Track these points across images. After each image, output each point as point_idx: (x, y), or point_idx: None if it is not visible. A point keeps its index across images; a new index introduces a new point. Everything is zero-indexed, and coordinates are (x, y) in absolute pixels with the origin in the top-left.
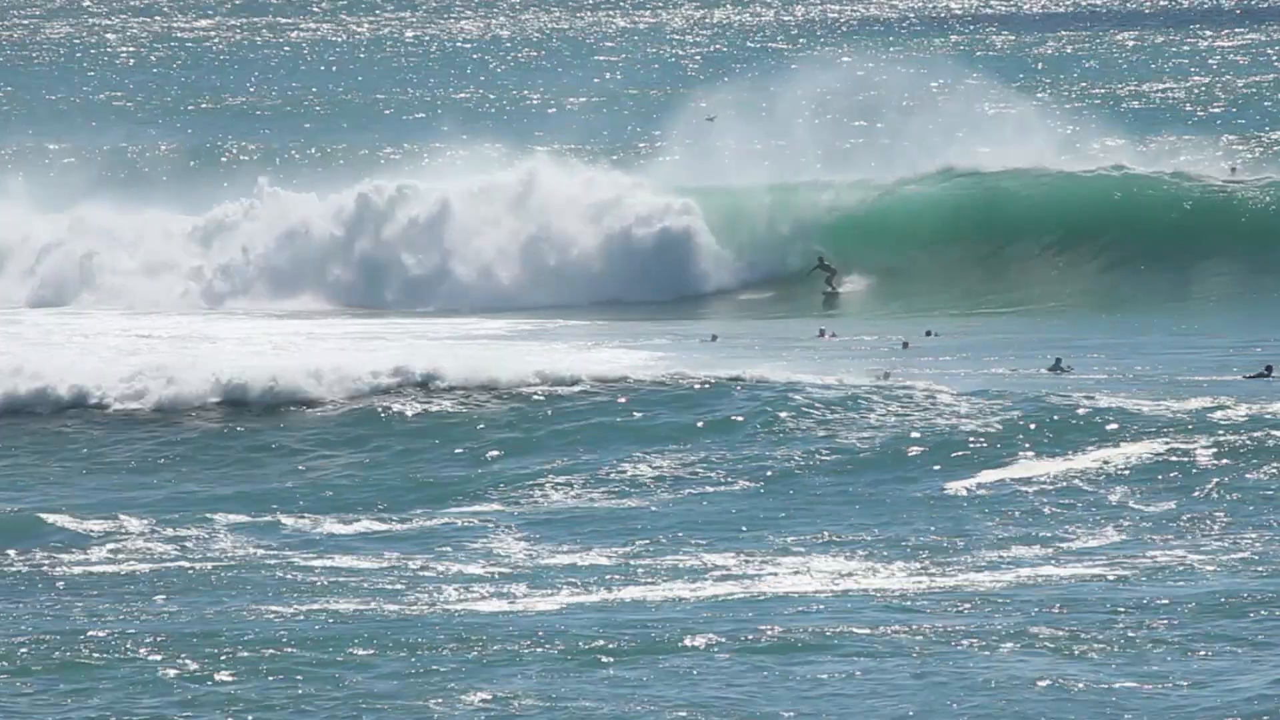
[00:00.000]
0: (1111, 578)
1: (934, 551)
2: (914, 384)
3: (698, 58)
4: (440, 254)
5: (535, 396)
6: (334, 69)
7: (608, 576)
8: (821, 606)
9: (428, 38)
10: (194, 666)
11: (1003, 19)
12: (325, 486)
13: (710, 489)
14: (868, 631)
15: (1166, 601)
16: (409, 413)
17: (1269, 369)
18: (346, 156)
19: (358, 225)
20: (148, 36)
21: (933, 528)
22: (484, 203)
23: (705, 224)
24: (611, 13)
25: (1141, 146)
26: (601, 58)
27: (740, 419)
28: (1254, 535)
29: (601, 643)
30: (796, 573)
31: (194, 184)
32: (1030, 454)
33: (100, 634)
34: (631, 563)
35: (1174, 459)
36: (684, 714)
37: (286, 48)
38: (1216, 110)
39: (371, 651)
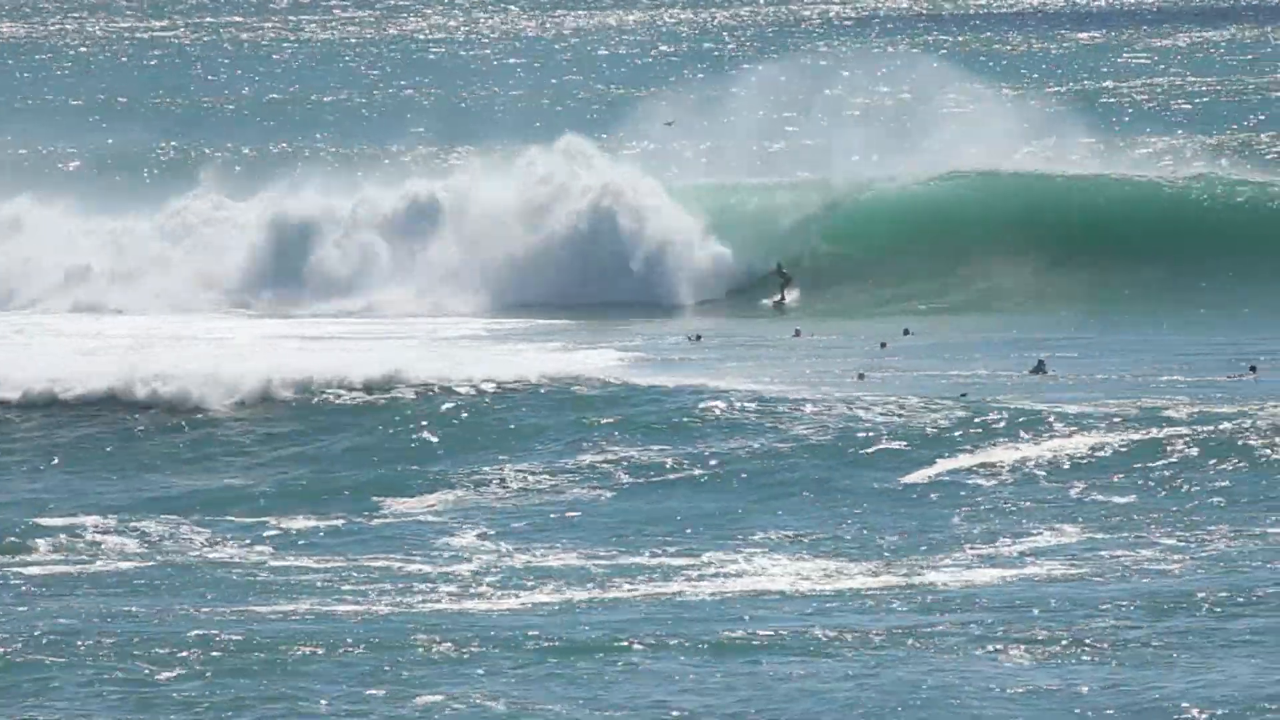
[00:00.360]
0: (1073, 575)
1: (895, 551)
2: (866, 392)
3: (649, 58)
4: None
5: (485, 398)
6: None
7: (565, 576)
8: (784, 606)
9: (387, 38)
10: (148, 669)
11: (967, 17)
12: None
13: (664, 489)
14: (830, 632)
15: (1126, 601)
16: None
17: (1253, 369)
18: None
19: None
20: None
21: (894, 526)
22: (474, 204)
23: (696, 224)
24: (565, 13)
25: (1126, 147)
26: (561, 57)
27: (690, 420)
28: (1216, 534)
29: (561, 643)
30: (755, 573)
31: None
32: (994, 452)
33: (54, 636)
34: (588, 563)
35: (1138, 458)
36: (644, 715)
37: (234, 47)
38: (1185, 108)
39: (317, 652)
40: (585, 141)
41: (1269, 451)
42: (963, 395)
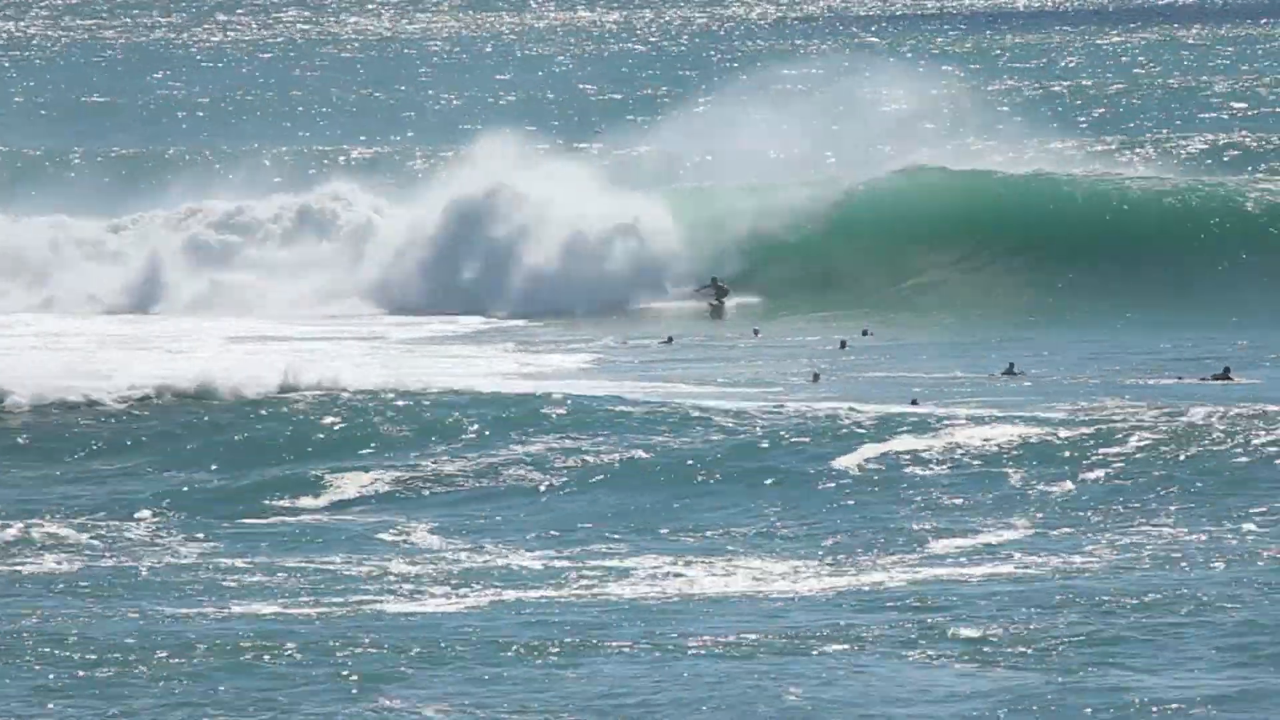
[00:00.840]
0: (1018, 575)
1: (836, 549)
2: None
3: (630, 60)
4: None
5: (423, 402)
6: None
7: (494, 576)
8: (727, 606)
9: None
10: (83, 673)
11: (932, 15)
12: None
13: (603, 488)
14: (766, 634)
15: (1066, 599)
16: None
17: (1227, 370)
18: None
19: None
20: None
21: (835, 526)
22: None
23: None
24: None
25: (1097, 146)
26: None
27: (632, 420)
28: (1158, 534)
29: (510, 644)
30: (693, 574)
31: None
32: (946, 453)
33: None
34: (524, 563)
35: (1083, 458)
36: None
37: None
38: (1138, 107)
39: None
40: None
41: (1213, 451)
42: (913, 402)
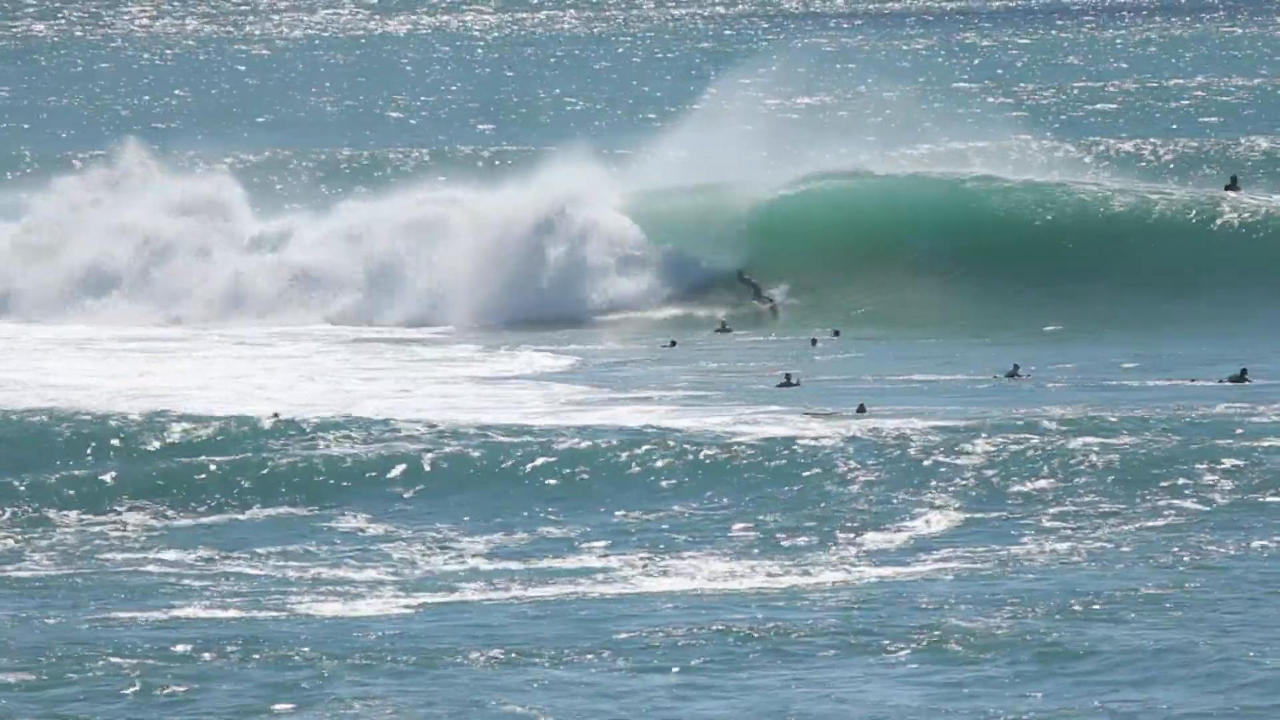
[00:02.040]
0: (949, 577)
1: (773, 551)
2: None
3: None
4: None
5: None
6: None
7: (452, 579)
8: (662, 606)
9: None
10: (13, 678)
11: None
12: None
13: (543, 490)
14: (701, 638)
15: (1006, 599)
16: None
17: (1244, 372)
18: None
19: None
20: None
21: (773, 526)
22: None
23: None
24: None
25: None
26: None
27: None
28: (1097, 534)
29: (449, 647)
30: (635, 575)
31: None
32: (890, 456)
33: None
34: (455, 566)
35: (1021, 462)
36: None
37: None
38: (1105, 110)
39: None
40: None
41: (1140, 456)
42: (860, 408)
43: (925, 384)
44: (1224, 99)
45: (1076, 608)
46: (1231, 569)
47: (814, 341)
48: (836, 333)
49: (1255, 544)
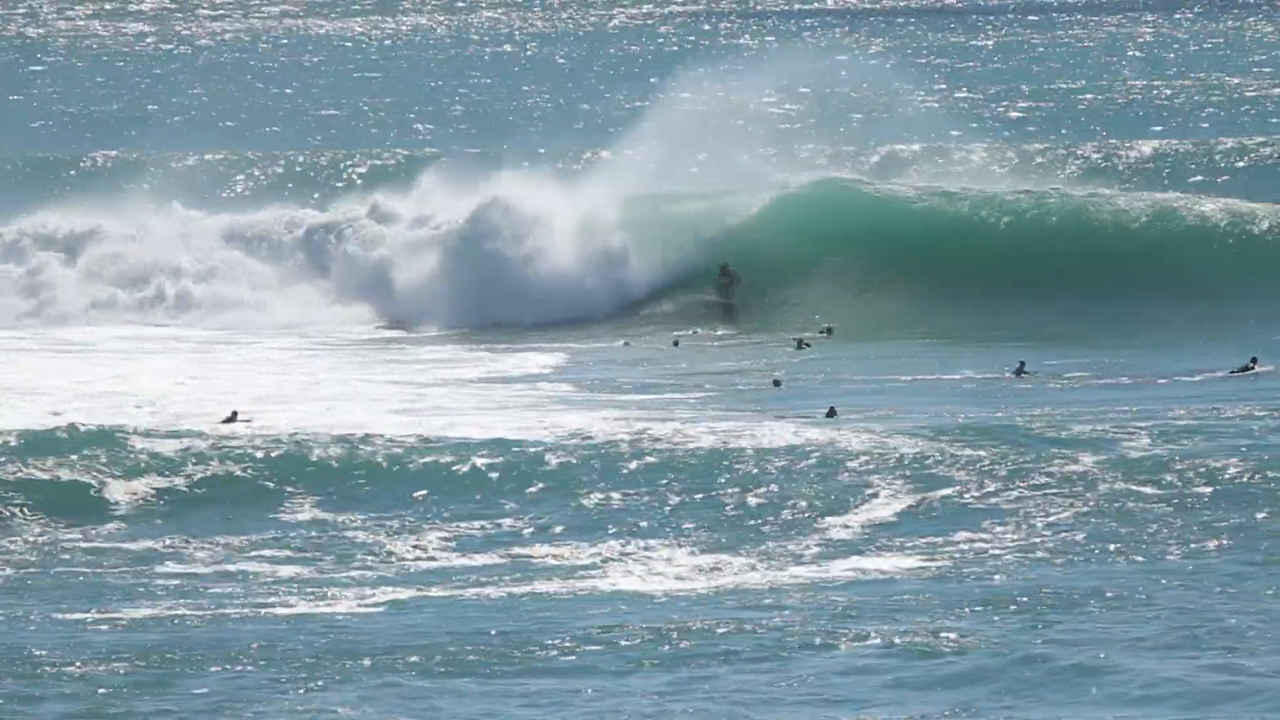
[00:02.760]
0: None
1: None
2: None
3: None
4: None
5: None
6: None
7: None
8: (594, 607)
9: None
10: None
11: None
12: None
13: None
14: (635, 640)
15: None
16: None
17: (1253, 360)
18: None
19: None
20: None
21: (734, 527)
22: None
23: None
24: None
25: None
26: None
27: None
28: (1036, 541)
29: (403, 645)
30: (564, 576)
31: None
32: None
33: None
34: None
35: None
36: None
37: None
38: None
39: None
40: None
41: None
42: (830, 412)
43: (910, 386)
44: (1173, 100)
45: (1044, 605)
46: (1191, 568)
47: (799, 344)
48: (829, 331)
49: (1222, 542)
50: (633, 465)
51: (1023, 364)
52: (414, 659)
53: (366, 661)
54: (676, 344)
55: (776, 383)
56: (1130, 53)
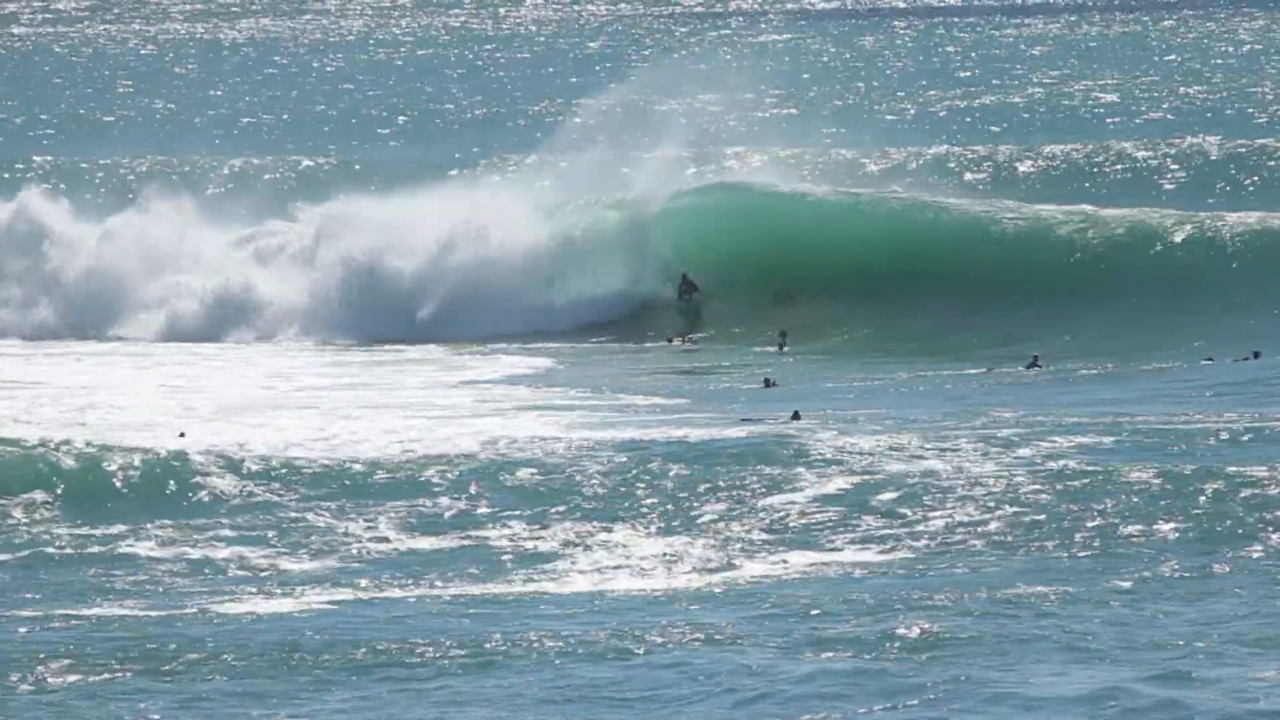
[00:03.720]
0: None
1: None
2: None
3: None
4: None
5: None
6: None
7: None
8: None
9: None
10: None
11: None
12: None
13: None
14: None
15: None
16: None
17: (1256, 355)
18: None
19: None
20: None
21: (699, 526)
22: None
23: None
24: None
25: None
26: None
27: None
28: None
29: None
30: (520, 577)
31: None
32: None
33: None
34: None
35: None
36: None
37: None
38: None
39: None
40: None
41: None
42: (795, 415)
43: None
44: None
45: (1002, 603)
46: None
47: (781, 345)
48: (783, 334)
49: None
50: (599, 466)
51: (1036, 357)
52: (364, 658)
53: (326, 658)
54: (670, 341)
55: (768, 382)
56: (1031, 52)
